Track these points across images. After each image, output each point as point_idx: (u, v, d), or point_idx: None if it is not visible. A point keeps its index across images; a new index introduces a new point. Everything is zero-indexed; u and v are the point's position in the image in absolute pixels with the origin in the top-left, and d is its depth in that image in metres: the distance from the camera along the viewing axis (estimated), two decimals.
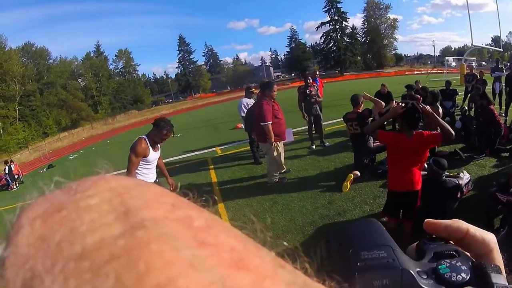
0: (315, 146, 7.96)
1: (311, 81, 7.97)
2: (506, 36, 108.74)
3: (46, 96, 66.72)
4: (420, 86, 10.40)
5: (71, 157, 20.11)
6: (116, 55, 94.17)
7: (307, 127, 8.08)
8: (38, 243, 0.15)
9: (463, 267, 0.35)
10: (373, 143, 5.62)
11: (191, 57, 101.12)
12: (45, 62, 71.62)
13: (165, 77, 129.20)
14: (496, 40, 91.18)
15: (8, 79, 57.94)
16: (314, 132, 7.98)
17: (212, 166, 7.95)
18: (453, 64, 54.58)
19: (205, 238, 0.16)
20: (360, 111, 5.41)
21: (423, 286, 0.34)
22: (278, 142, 5.46)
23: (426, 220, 0.43)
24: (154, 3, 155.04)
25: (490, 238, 0.39)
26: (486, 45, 61.79)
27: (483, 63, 76.15)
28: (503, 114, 9.43)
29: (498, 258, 0.37)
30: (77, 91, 73.32)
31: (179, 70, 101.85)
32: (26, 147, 47.41)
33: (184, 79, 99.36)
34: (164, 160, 9.74)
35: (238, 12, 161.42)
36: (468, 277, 0.34)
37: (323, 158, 7.03)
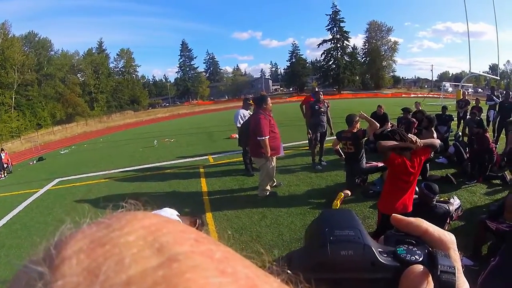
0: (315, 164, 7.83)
1: (322, 96, 7.89)
2: (504, 65, 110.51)
3: (44, 87, 66.29)
4: (420, 108, 10.56)
5: (62, 152, 19.85)
6: (117, 54, 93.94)
7: (302, 142, 8.00)
8: (85, 273, 0.18)
9: (418, 252, 0.42)
10: (366, 163, 5.63)
11: (192, 63, 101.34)
12: (46, 53, 71.20)
13: (164, 80, 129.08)
14: (493, 68, 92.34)
15: (8, 66, 57.53)
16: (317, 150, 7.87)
17: (204, 175, 7.90)
18: (450, 89, 55.27)
19: (225, 268, 0.20)
20: (355, 131, 5.42)
21: (380, 259, 0.42)
22: (273, 157, 5.45)
23: (393, 214, 0.51)
24: (161, 6, 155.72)
25: (448, 239, 0.45)
26: (483, 72, 62.53)
27: (480, 90, 77.29)
28: (495, 142, 9.54)
29: (455, 256, 0.42)
30: (75, 86, 72.94)
31: (179, 75, 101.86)
32: (19, 136, 46.76)
33: (183, 84, 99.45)
34: (156, 164, 9.81)
35: (243, 23, 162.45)
36: (420, 259, 0.41)
37: (315, 175, 7.04)
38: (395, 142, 3.46)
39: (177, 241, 0.21)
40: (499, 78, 44.59)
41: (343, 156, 5.70)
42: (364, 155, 5.54)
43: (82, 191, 8.18)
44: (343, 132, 5.54)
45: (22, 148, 29.18)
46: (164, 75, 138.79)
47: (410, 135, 3.50)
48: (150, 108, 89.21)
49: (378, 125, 5.39)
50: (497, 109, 11.67)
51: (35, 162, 16.51)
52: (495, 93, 13.23)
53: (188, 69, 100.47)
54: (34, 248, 0.19)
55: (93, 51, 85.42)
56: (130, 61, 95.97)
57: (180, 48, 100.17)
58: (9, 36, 61.01)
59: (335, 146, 5.77)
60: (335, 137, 5.93)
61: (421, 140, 3.51)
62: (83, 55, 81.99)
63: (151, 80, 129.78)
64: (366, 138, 5.45)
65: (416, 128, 8.30)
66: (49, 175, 11.37)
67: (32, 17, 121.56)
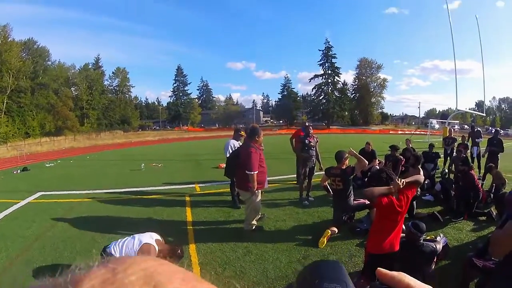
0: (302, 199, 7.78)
1: (311, 131, 7.98)
2: (490, 101, 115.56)
3: (37, 96, 65.87)
4: (411, 145, 10.76)
5: (47, 165, 19.49)
6: (113, 72, 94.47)
7: (290, 176, 7.98)
8: None
9: None
10: (354, 200, 5.64)
11: (185, 88, 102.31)
12: (43, 62, 71.20)
13: (156, 103, 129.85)
14: (479, 105, 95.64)
15: (4, 70, 57.21)
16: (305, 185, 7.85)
17: (189, 203, 7.77)
18: (436, 126, 56.43)
19: None
20: (344, 167, 5.45)
21: None
22: (259, 190, 5.43)
23: (378, 268, 0.53)
24: (160, 29, 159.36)
25: None
26: (469, 109, 64.46)
27: (466, 126, 79.05)
28: (481, 178, 9.70)
29: None
30: (68, 99, 72.56)
31: (172, 99, 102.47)
32: (5, 142, 46.10)
33: (175, 109, 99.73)
34: (142, 189, 9.67)
35: (238, 53, 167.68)
36: None
37: (302, 211, 6.98)
38: (380, 189, 3.50)
39: (169, 280, 0.29)
40: (484, 115, 45.90)
41: (331, 193, 5.71)
42: (352, 192, 5.56)
43: (64, 208, 7.97)
44: (332, 168, 5.57)
45: (8, 155, 28.68)
46: (157, 98, 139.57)
47: (395, 179, 3.54)
48: (140, 130, 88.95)
49: (367, 162, 5.48)
50: (481, 146, 12.24)
51: (19, 171, 16.19)
52: (476, 129, 13.62)
53: (181, 94, 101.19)
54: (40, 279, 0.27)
55: (90, 67, 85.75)
56: (124, 80, 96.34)
57: (175, 73, 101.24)
58: (9, 39, 60.98)
59: (323, 182, 5.79)
60: (323, 172, 5.96)
61: (405, 179, 3.56)
62: (79, 69, 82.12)
63: (143, 101, 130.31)
64: (354, 175, 5.48)
65: (403, 165, 8.41)
66: (32, 187, 11.15)
67: (33, 24, 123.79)
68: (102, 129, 75.13)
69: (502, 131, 75.98)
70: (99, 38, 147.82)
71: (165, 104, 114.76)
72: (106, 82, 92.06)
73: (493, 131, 13.36)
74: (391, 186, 3.49)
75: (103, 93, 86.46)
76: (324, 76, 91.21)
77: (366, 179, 8.73)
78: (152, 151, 26.40)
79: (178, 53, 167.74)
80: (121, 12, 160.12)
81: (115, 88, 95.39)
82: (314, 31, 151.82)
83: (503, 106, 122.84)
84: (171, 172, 13.35)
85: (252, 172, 4.95)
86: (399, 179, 3.49)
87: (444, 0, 31.50)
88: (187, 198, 8.26)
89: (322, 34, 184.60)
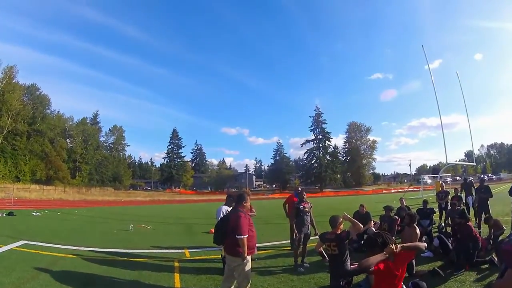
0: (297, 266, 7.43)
1: (305, 196, 7.96)
2: (478, 149, 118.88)
3: (32, 142, 66.12)
4: (404, 203, 10.80)
5: (34, 214, 19.12)
6: (110, 129, 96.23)
7: (284, 241, 7.74)
8: None
9: None
10: (351, 264, 5.44)
11: (179, 151, 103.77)
12: (42, 110, 72.49)
13: (150, 164, 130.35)
14: (469, 155, 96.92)
15: (4, 110, 57.94)
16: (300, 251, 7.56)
17: (178, 269, 7.39)
18: (429, 181, 56.50)
19: None
20: (339, 232, 5.34)
21: None
22: (250, 256, 5.25)
23: None
24: (159, 93, 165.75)
25: None
26: (459, 160, 64.97)
27: (458, 177, 79.07)
28: (477, 226, 9.59)
29: None
30: (62, 150, 72.88)
31: (165, 161, 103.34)
32: None
33: (168, 170, 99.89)
34: (129, 251, 9.34)
35: (232, 119, 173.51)
36: None
37: (297, 278, 6.63)
38: (376, 258, 3.41)
39: None
40: (475, 164, 46.17)
41: (327, 258, 5.53)
42: (348, 256, 5.37)
43: (47, 261, 7.67)
44: (327, 233, 5.45)
45: None
46: (151, 158, 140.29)
47: (390, 244, 3.45)
48: (131, 189, 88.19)
49: (362, 226, 5.43)
50: (474, 194, 12.41)
51: (4, 215, 15.94)
52: (468, 181, 14.00)
53: (175, 156, 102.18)
54: None
55: (87, 121, 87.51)
56: (120, 138, 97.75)
57: (171, 135, 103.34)
58: (14, 81, 62.47)
59: (319, 248, 5.65)
60: (318, 237, 5.82)
61: (405, 244, 3.52)
62: (77, 122, 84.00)
63: (137, 161, 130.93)
64: (350, 239, 5.35)
65: (399, 225, 8.28)
66: (16, 234, 10.97)
67: (38, 71, 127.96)
68: (93, 184, 74.46)
69: (494, 176, 76.41)
70: (100, 95, 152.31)
71: (158, 165, 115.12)
72: (102, 138, 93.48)
73: (478, 179, 13.67)
74: (385, 252, 3.41)
75: (97, 149, 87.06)
76: (315, 141, 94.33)
77: (362, 241, 8.60)
78: (142, 211, 25.93)
79: (174, 117, 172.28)
80: (122, 73, 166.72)
81: (110, 145, 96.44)
82: (304, 99, 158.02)
83: (492, 152, 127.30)
84: (160, 235, 12.96)
85: (243, 236, 4.81)
86: (394, 245, 3.43)
87: (425, 61, 33.30)
88: (176, 264, 7.88)
89: (312, 101, 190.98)
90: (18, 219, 15.95)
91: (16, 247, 9.30)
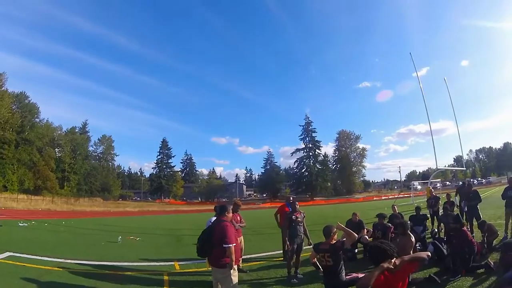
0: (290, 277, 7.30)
1: (298, 206, 7.89)
2: (467, 154, 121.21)
3: (20, 151, 65.20)
4: (397, 210, 10.85)
5: (21, 224, 18.70)
6: (99, 139, 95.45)
7: (276, 252, 7.57)
8: None
9: None
10: (346, 275, 5.34)
11: (169, 161, 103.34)
12: (31, 118, 71.62)
13: (139, 174, 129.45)
14: (458, 160, 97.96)
15: None
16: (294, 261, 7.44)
17: (168, 283, 7.23)
18: (419, 187, 56.84)
19: None
20: (333, 242, 5.25)
21: None
22: (235, 266, 5.15)
23: None
24: (148, 102, 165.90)
25: None
26: (449, 166, 65.78)
27: (448, 183, 79.65)
28: (469, 231, 9.58)
29: None
30: (51, 159, 71.96)
31: (155, 171, 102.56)
32: None
33: (157, 180, 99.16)
34: (117, 263, 9.11)
35: (222, 129, 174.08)
36: None
37: None
38: (373, 274, 3.33)
39: None
40: (465, 168, 46.68)
41: (321, 269, 5.42)
42: (343, 267, 5.27)
43: (32, 275, 7.46)
44: (321, 244, 5.34)
45: None
46: (140, 168, 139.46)
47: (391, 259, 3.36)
48: (120, 199, 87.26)
49: (356, 236, 5.35)
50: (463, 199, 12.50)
51: None
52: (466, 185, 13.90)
53: (165, 166, 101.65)
54: None
55: (76, 130, 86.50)
56: (109, 148, 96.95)
57: (160, 145, 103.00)
58: (3, 88, 61.59)
59: (312, 259, 5.54)
60: (311, 247, 5.71)
61: (406, 257, 3.45)
62: (65, 131, 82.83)
63: (126, 171, 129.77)
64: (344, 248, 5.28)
65: (393, 232, 8.24)
66: (1, 245, 10.75)
67: (28, 79, 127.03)
68: (81, 195, 73.53)
69: (484, 180, 77.32)
70: (89, 104, 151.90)
71: (147, 175, 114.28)
72: (90, 148, 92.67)
73: (465, 184, 13.79)
74: (383, 265, 3.32)
75: (86, 159, 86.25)
76: (305, 150, 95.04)
77: (355, 250, 8.78)
78: (131, 223, 25.50)
79: (164, 126, 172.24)
80: (112, 82, 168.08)
81: (99, 155, 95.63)
82: (294, 108, 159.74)
83: (480, 156, 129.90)
84: (149, 247, 12.70)
85: (231, 245, 4.72)
86: (394, 260, 3.33)
87: (413, 69, 33.74)
88: (165, 277, 7.68)
89: (302, 110, 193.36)
90: (4, 229, 15.60)
91: (1, 259, 9.07)
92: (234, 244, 4.80)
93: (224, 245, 4.70)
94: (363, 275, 4.66)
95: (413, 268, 3.45)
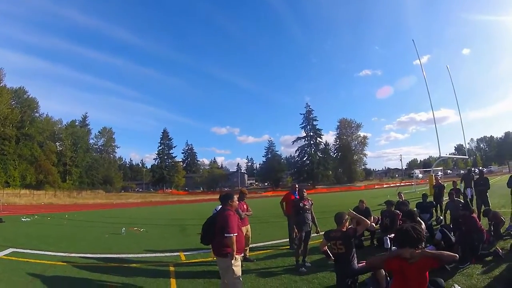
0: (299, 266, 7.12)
1: (306, 194, 7.79)
2: (468, 143, 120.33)
3: (21, 147, 65.25)
4: (403, 198, 10.86)
5: (23, 219, 18.73)
6: (99, 132, 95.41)
7: (282, 240, 7.44)
8: None
9: None
10: (358, 263, 5.20)
11: (170, 152, 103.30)
12: (31, 113, 71.50)
13: (140, 165, 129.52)
14: (459, 149, 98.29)
15: None
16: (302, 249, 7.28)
17: (174, 274, 7.09)
18: (420, 175, 56.93)
19: None
20: (345, 229, 5.11)
21: None
22: (239, 256, 5.01)
23: None
24: (147, 94, 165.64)
25: None
26: (450, 154, 65.68)
27: (449, 171, 79.88)
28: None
29: None
30: (52, 153, 71.91)
31: (156, 162, 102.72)
32: None
33: (159, 171, 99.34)
34: (121, 256, 8.98)
35: (222, 119, 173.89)
36: None
37: (300, 278, 6.32)
38: (384, 258, 3.18)
39: None
40: (467, 157, 46.62)
41: (332, 258, 5.28)
42: (355, 254, 5.15)
43: (36, 270, 7.34)
44: (332, 231, 5.23)
45: None
46: (142, 160, 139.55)
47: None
48: (122, 191, 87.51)
49: (369, 222, 5.28)
50: (472, 187, 12.55)
51: None
52: (471, 173, 13.91)
53: (166, 157, 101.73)
54: None
55: (76, 124, 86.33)
56: (110, 140, 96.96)
57: (161, 136, 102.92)
58: (1, 84, 61.44)
59: (323, 247, 5.41)
60: (321, 234, 5.57)
61: (429, 251, 3.34)
62: (65, 124, 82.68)
63: (128, 163, 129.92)
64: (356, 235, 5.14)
65: (401, 219, 8.13)
66: (3, 241, 10.69)
67: (25, 74, 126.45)
68: (83, 188, 73.72)
69: (485, 169, 77.86)
70: (88, 97, 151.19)
71: (149, 167, 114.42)
72: (91, 141, 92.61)
73: (477, 171, 13.67)
74: (400, 250, 3.24)
75: (87, 151, 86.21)
76: (306, 138, 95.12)
77: (362, 238, 8.63)
78: (134, 214, 25.52)
79: (164, 117, 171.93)
80: (111, 75, 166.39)
81: (100, 147, 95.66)
82: (294, 97, 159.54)
83: (481, 145, 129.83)
84: (153, 237, 12.62)
85: (232, 234, 4.59)
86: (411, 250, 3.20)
87: (415, 56, 33.43)
88: (171, 268, 7.57)
89: (302, 99, 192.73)
90: (7, 225, 15.56)
91: (4, 255, 8.97)
92: (236, 234, 4.68)
93: (225, 234, 4.59)
94: None
95: (434, 264, 3.23)
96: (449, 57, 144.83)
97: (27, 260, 8.45)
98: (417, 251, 3.18)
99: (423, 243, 3.33)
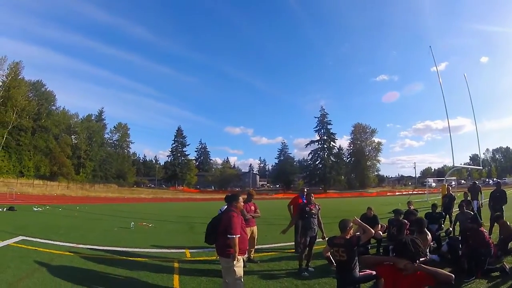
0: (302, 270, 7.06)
1: (313, 198, 7.70)
2: (483, 153, 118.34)
3: (37, 138, 66.63)
4: (412, 207, 10.52)
5: (35, 209, 19.09)
6: (114, 127, 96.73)
7: (288, 243, 7.39)
8: None
9: None
10: (360, 271, 5.16)
11: (183, 149, 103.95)
12: (48, 106, 72.99)
13: (154, 161, 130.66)
14: (474, 158, 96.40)
15: (9, 105, 58.48)
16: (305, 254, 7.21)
17: (178, 270, 7.14)
18: (433, 184, 56.12)
19: None
20: (348, 237, 5.07)
21: None
22: (242, 257, 5.06)
23: None
24: (163, 92, 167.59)
25: None
26: (465, 164, 64.57)
27: (463, 181, 78.49)
28: (488, 232, 9.28)
29: None
30: (67, 146, 73.16)
31: (170, 159, 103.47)
32: None
33: (172, 168, 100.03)
34: (128, 249, 9.07)
35: (236, 119, 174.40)
36: None
37: (301, 283, 6.30)
38: (379, 260, 3.14)
39: None
40: (481, 167, 45.67)
41: (334, 264, 5.25)
42: (357, 263, 5.09)
43: (44, 258, 7.51)
44: (335, 238, 5.18)
45: None
46: (155, 156, 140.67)
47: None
48: (135, 186, 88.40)
49: (373, 232, 5.18)
50: (480, 199, 12.64)
51: (5, 209, 16.04)
52: (476, 185, 13.92)
53: (179, 155, 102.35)
54: None
55: (92, 118, 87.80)
56: (125, 136, 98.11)
57: (175, 134, 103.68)
58: (19, 77, 62.73)
59: (326, 253, 5.37)
60: (327, 239, 5.54)
61: (425, 266, 3.18)
62: (81, 118, 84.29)
63: (141, 159, 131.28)
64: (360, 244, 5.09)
65: (408, 229, 8.03)
66: (14, 229, 10.94)
67: (44, 68, 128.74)
68: (96, 181, 74.69)
69: (499, 181, 75.92)
70: (105, 93, 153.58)
71: (162, 163, 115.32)
72: (106, 135, 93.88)
73: (493, 183, 13.54)
74: (397, 260, 3.16)
75: (102, 146, 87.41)
76: (320, 142, 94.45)
77: (368, 246, 8.49)
78: (144, 209, 25.75)
79: (178, 115, 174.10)
80: (127, 71, 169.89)
81: (115, 142, 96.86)
82: (309, 100, 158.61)
83: (497, 156, 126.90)
84: (161, 233, 12.72)
85: (234, 236, 4.63)
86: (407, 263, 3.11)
87: (432, 63, 32.78)
88: (176, 264, 7.63)
89: (317, 102, 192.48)
90: (19, 214, 15.89)
91: (14, 242, 9.18)
92: (238, 236, 4.72)
93: (228, 236, 4.64)
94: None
95: (429, 281, 3.11)
96: (467, 65, 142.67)
97: (35, 248, 8.62)
98: (413, 264, 3.11)
99: (423, 257, 3.26)
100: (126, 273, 6.73)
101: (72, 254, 8.28)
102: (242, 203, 5.43)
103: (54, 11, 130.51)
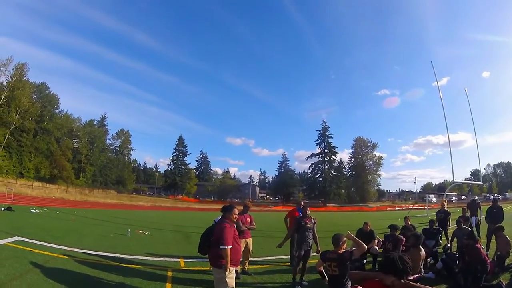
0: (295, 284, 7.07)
1: (309, 212, 7.67)
2: (484, 169, 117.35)
3: (38, 140, 66.80)
4: (409, 223, 10.37)
5: (33, 211, 19.10)
6: (116, 133, 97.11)
7: (283, 256, 7.36)
8: None
9: None
10: (352, 286, 5.14)
11: (184, 158, 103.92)
12: (51, 109, 73.37)
13: (154, 169, 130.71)
14: (475, 174, 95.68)
15: (13, 106, 58.70)
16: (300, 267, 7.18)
17: (171, 279, 7.10)
18: (434, 199, 55.76)
19: None
20: (341, 252, 5.07)
21: None
22: (234, 268, 5.04)
23: None
24: (167, 100, 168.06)
25: None
26: (465, 179, 63.90)
27: (463, 197, 77.81)
28: (484, 248, 9.18)
29: None
30: (68, 150, 73.32)
31: (170, 167, 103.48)
32: None
33: (172, 177, 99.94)
34: (123, 256, 9.05)
35: (237, 130, 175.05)
36: None
37: None
38: (366, 276, 3.13)
39: None
40: (482, 183, 45.36)
41: (327, 278, 5.24)
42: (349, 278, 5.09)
43: (38, 260, 7.53)
44: (328, 252, 5.19)
45: None
46: (156, 164, 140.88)
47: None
48: (134, 193, 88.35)
49: (366, 247, 5.13)
50: (479, 215, 12.68)
51: (2, 209, 16.07)
52: (476, 201, 14.06)
53: (180, 163, 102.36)
54: None
55: (95, 123, 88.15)
56: (126, 142, 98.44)
57: (176, 143, 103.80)
58: (24, 78, 63.10)
59: (319, 267, 5.38)
60: (319, 254, 5.53)
61: (415, 284, 3.15)
62: (84, 123, 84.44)
63: (142, 166, 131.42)
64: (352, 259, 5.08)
65: (404, 245, 8.00)
66: (11, 229, 10.99)
67: (49, 71, 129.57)
68: (96, 186, 74.62)
69: (500, 196, 75.47)
70: (108, 99, 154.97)
71: (162, 171, 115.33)
72: (108, 141, 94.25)
73: (491, 198, 13.45)
74: (384, 276, 3.12)
75: (103, 151, 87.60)
76: (320, 155, 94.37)
77: (364, 260, 8.43)
78: (141, 217, 25.69)
79: (180, 124, 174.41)
80: (131, 78, 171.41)
81: (116, 148, 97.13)
82: (310, 113, 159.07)
83: (498, 171, 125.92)
84: (157, 242, 12.66)
85: (226, 247, 4.64)
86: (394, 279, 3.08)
87: (433, 78, 32.99)
88: (169, 273, 7.58)
89: (318, 115, 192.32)
90: (16, 215, 15.90)
91: (9, 242, 9.20)
92: (230, 247, 4.73)
93: (220, 246, 4.65)
94: None
95: None
96: (468, 80, 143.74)
97: (30, 249, 8.63)
98: (400, 281, 3.11)
99: (411, 274, 3.25)
100: (119, 279, 6.71)
101: (66, 257, 8.28)
102: (237, 215, 5.41)
103: (60, 14, 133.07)
